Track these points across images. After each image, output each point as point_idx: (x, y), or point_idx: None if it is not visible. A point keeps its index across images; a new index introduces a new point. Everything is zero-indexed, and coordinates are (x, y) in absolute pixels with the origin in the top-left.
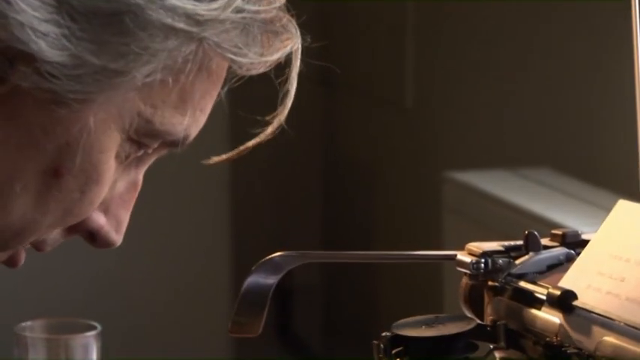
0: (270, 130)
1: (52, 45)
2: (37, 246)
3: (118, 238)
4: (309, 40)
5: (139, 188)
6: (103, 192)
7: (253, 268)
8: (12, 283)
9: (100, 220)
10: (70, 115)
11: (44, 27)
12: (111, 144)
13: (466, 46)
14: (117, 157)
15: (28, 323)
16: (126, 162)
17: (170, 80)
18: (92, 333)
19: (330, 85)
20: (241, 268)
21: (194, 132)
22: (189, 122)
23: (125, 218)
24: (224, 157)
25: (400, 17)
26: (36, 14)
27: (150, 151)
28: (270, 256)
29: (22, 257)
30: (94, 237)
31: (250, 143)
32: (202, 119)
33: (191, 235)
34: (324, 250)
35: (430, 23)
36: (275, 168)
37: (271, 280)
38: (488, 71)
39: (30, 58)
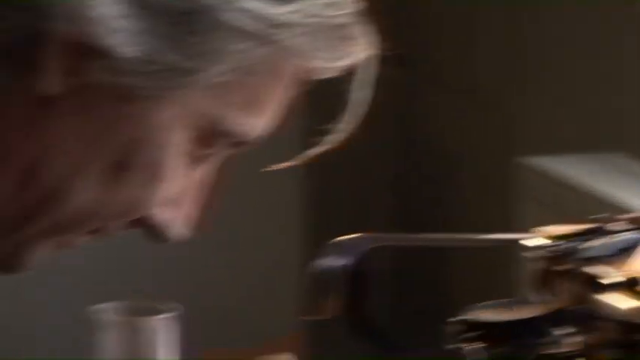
0: (342, 135)
1: (126, 41)
2: (99, 234)
3: (184, 234)
4: (382, 46)
5: (208, 185)
6: (168, 188)
7: (324, 250)
8: (90, 265)
9: (167, 215)
10: (140, 111)
11: (119, 23)
12: (177, 141)
13: (542, 32)
14: (184, 154)
15: (105, 305)
16: (193, 159)
17: (241, 81)
18: (171, 314)
19: (406, 69)
20: (314, 252)
21: (262, 133)
22: (257, 124)
23: (193, 214)
24: (294, 162)
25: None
26: (112, 10)
27: (217, 149)
28: (340, 239)
29: (81, 240)
30: (158, 231)
31: (322, 148)
32: (270, 121)
33: (265, 217)
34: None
35: (505, 7)
36: (349, 151)
37: (342, 262)
38: (563, 56)
39: (104, 54)
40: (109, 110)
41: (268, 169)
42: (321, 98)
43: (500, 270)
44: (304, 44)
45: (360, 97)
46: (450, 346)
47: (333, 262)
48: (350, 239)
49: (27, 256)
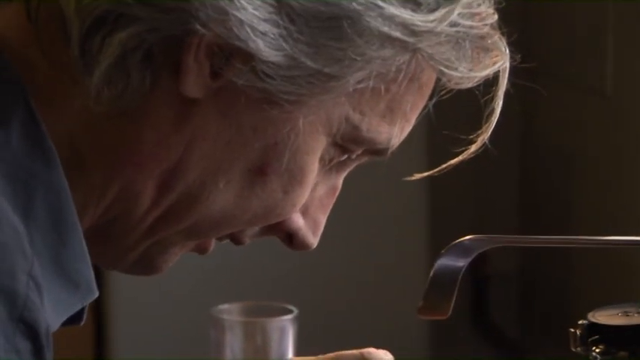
0: (473, 148)
1: (270, 45)
2: (234, 239)
3: (314, 241)
4: (518, 59)
5: (337, 192)
6: (305, 194)
7: (443, 251)
8: (210, 267)
9: (298, 221)
10: (281, 115)
11: (263, 26)
12: (317, 147)
13: None
14: (321, 160)
15: (226, 306)
16: (328, 166)
17: (382, 88)
18: (289, 317)
19: (530, 71)
20: (437, 253)
21: (397, 141)
22: (395, 132)
23: (322, 221)
24: (425, 174)
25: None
26: (256, 13)
27: (353, 156)
28: (460, 240)
29: (212, 245)
30: (291, 238)
31: (453, 161)
32: (407, 130)
33: (387, 219)
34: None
35: (637, 12)
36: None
37: (461, 262)
38: None
39: (246, 56)
40: (249, 114)
41: (401, 179)
42: (448, 110)
43: (626, 272)
44: (446, 53)
45: (495, 106)
46: (575, 349)
47: (452, 262)
48: (469, 240)
49: (163, 259)
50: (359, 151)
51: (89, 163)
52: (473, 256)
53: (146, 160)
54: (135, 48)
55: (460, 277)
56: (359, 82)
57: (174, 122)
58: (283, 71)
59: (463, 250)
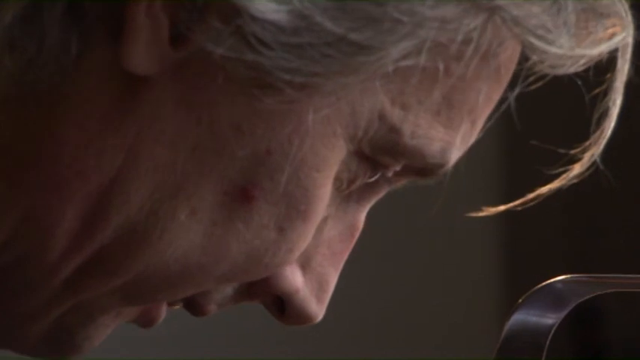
0: (577, 169)
1: None
2: (194, 305)
3: (317, 310)
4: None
5: (356, 235)
6: (309, 233)
7: (521, 299)
8: None
9: (295, 278)
10: (279, 107)
11: None
12: (332, 159)
13: None
14: (336, 180)
15: None
16: (347, 190)
17: (439, 69)
18: None
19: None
20: (512, 298)
21: (457, 154)
22: (455, 138)
23: (332, 280)
24: (501, 207)
25: None
26: None
27: (387, 175)
28: (548, 282)
29: (162, 312)
30: (283, 305)
31: (544, 189)
32: (472, 136)
33: (455, 260)
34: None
35: None
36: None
37: (551, 319)
38: None
39: (229, 11)
40: (231, 103)
41: (468, 215)
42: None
43: None
44: (539, 16)
45: (610, 104)
46: None
47: (534, 317)
48: (561, 282)
49: (86, 334)
50: (396, 168)
51: None
52: (569, 307)
53: (65, 173)
54: None
55: (549, 339)
56: (403, 56)
57: (109, 114)
58: (286, 37)
59: (554, 297)
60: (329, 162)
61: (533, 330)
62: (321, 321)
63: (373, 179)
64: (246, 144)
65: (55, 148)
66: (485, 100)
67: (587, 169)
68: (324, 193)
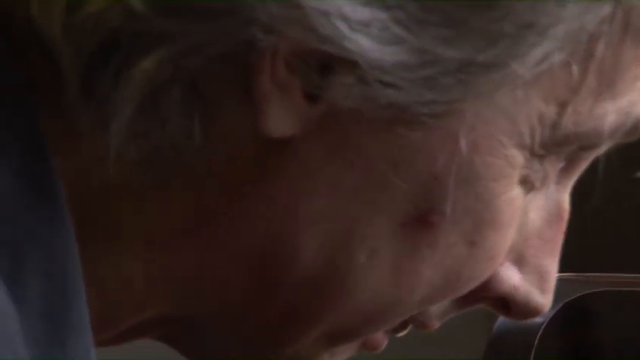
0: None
1: (380, 38)
2: (418, 323)
3: (543, 301)
4: None
5: (566, 215)
6: (506, 237)
7: None
8: None
9: (512, 277)
10: (430, 136)
11: (362, 13)
12: (507, 167)
13: None
14: (522, 182)
15: None
16: (541, 186)
17: (582, 55)
18: None
19: None
20: None
21: (621, 123)
22: (626, 102)
23: (551, 267)
24: None
25: None
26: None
27: (582, 155)
28: None
29: (382, 339)
30: (507, 304)
31: None
32: (636, 102)
33: None
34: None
35: None
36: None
37: (540, 317)
38: None
39: (348, 63)
40: (379, 144)
41: None
42: None
43: None
44: None
45: None
46: None
47: None
48: (557, 280)
49: None
50: (577, 150)
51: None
52: (559, 306)
53: (223, 239)
54: (169, 81)
55: (537, 338)
56: (538, 63)
57: (256, 180)
58: (412, 73)
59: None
60: (505, 170)
61: (522, 328)
62: None
63: (560, 166)
64: (408, 176)
65: (207, 222)
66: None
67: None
68: (509, 198)
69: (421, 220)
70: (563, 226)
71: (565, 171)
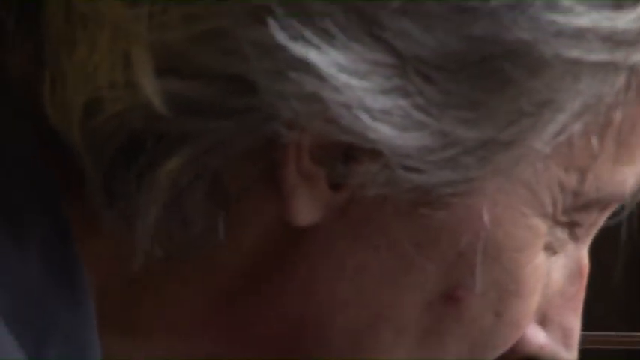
0: None
1: (401, 125)
2: None
3: (570, 357)
4: None
5: (586, 271)
6: (530, 304)
7: None
8: None
9: (537, 337)
10: (453, 214)
11: (383, 102)
12: (530, 237)
13: None
14: (548, 249)
15: None
16: (562, 249)
17: (600, 123)
18: None
19: None
20: None
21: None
22: (630, 173)
23: (574, 324)
24: None
25: None
26: (367, 85)
27: (596, 220)
28: None
29: None
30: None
31: None
32: None
33: None
34: None
35: None
36: None
37: None
38: None
39: (371, 152)
40: (403, 227)
41: None
42: None
43: None
44: None
45: None
46: None
47: None
48: None
49: None
50: (597, 213)
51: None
52: None
53: (246, 326)
54: (193, 180)
55: None
56: (555, 135)
57: (277, 269)
58: (434, 156)
59: None
60: (529, 241)
61: None
62: None
63: (581, 231)
64: (433, 256)
65: (229, 310)
66: None
67: None
68: (532, 267)
69: (447, 297)
70: (584, 282)
71: (584, 232)
